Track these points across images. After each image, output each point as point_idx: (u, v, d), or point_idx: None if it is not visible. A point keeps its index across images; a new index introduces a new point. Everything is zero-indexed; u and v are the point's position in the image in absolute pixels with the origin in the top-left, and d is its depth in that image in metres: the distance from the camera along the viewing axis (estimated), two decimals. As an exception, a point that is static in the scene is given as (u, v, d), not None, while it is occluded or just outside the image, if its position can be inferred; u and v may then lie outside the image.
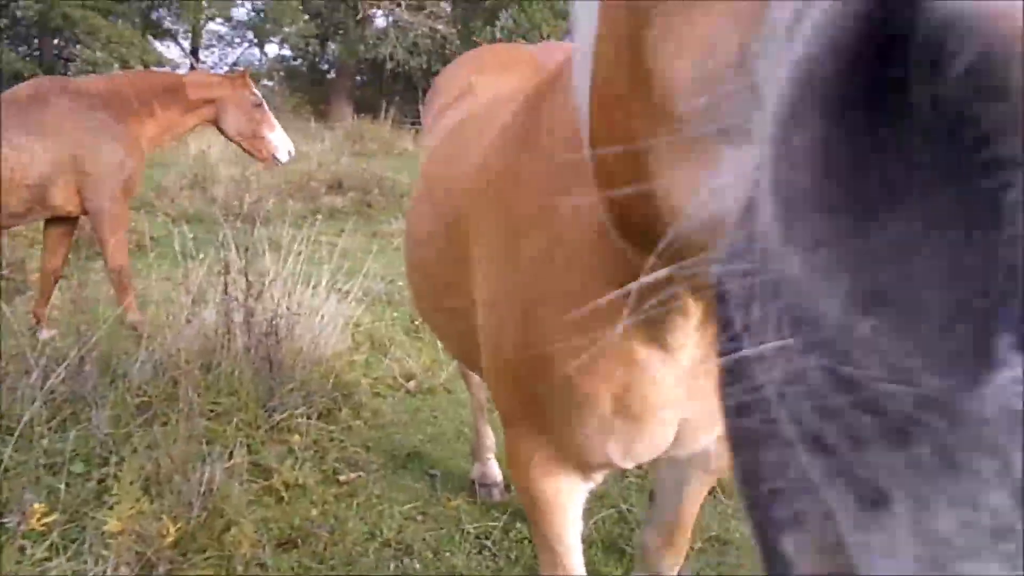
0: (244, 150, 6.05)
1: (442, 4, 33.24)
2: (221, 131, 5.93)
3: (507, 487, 3.34)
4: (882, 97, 0.32)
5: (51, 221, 5.21)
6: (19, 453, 3.11)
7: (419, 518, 3.12)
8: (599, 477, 1.56)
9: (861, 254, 0.33)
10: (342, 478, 3.34)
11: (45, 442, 3.18)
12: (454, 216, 1.84)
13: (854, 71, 0.32)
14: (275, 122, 6.02)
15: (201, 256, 4.73)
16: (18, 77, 26.73)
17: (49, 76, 5.62)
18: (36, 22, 26.81)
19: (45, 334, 4.54)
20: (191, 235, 7.65)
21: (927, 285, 0.31)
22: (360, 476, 3.38)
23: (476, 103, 2.32)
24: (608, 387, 1.29)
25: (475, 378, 3.24)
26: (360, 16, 32.94)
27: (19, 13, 25.74)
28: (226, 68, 36.50)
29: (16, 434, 3.23)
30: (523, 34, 32.43)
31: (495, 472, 3.30)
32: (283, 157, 6.08)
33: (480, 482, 3.28)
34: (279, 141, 5.96)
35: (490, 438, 3.33)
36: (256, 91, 5.94)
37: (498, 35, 32.27)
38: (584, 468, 1.50)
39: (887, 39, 0.31)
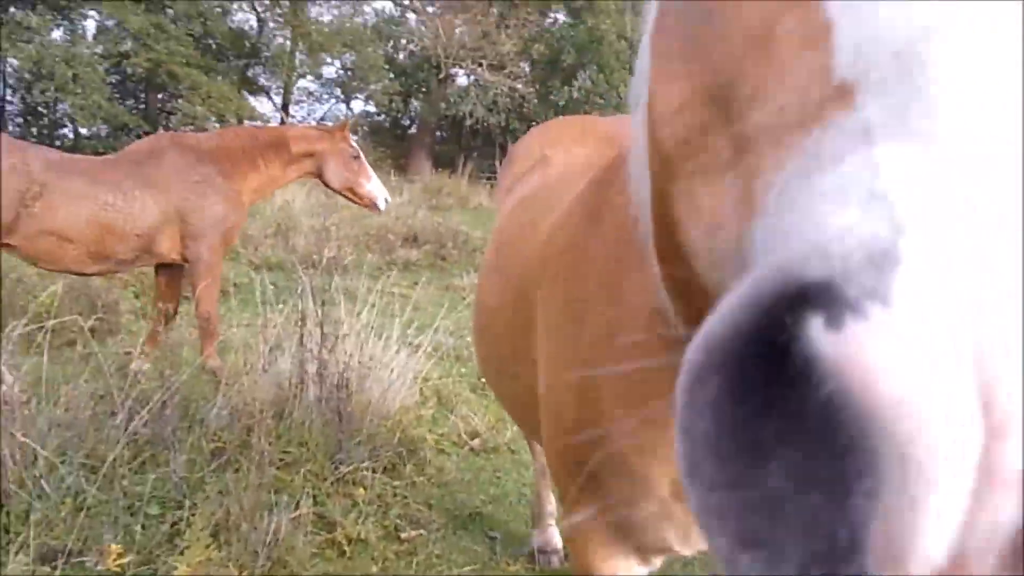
0: (348, 199, 6.31)
1: (522, 65, 34.14)
2: (324, 183, 6.21)
3: (567, 555, 3.29)
4: (770, 378, 0.42)
5: (162, 265, 5.55)
6: (101, 492, 3.25)
7: (478, 581, 3.10)
8: (658, 561, 1.54)
9: (744, 501, 0.42)
10: (404, 535, 3.35)
11: (125, 483, 3.31)
12: (521, 286, 1.88)
13: (750, 352, 0.43)
14: (371, 172, 6.30)
15: (280, 305, 4.91)
16: (124, 129, 28.68)
17: (168, 133, 6.04)
18: (144, 78, 28.78)
19: (139, 365, 4.62)
20: (272, 283, 7.97)
21: (791, 533, 0.41)
22: (421, 534, 3.39)
23: (548, 175, 2.37)
24: (667, 470, 1.28)
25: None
26: (443, 75, 34.14)
27: (129, 70, 27.67)
28: (314, 122, 38.23)
29: (100, 474, 3.39)
30: (600, 94, 32.94)
31: (555, 540, 3.26)
32: (381, 205, 6.28)
33: (540, 549, 3.24)
34: (377, 190, 6.21)
35: (551, 504, 3.29)
36: (354, 143, 6.23)
37: (575, 95, 32.88)
38: (642, 550, 1.48)
39: (776, 344, 0.42)
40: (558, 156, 2.47)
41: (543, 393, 1.60)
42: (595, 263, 1.44)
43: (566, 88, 33.07)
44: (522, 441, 4.49)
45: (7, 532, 2.99)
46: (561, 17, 36.09)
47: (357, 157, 6.11)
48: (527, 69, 34.57)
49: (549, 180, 2.32)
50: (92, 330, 6.38)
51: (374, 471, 3.74)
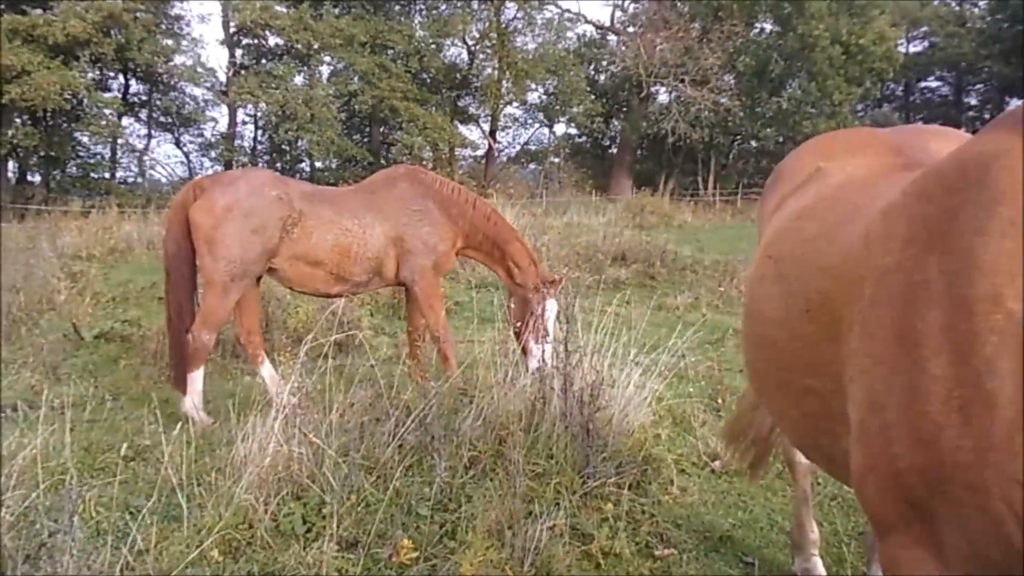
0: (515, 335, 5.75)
1: (726, 78, 33.26)
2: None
3: (832, 588, 3.14)
4: None
5: (407, 290, 6.05)
6: (377, 491, 3.58)
7: (738, 607, 3.03)
8: None
9: None
10: (657, 553, 3.36)
11: (397, 483, 3.62)
12: (819, 298, 1.82)
13: None
14: (549, 334, 5.57)
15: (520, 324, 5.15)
16: (352, 161, 31.46)
17: (407, 166, 6.55)
18: (369, 114, 31.52)
19: (434, 386, 4.57)
20: (489, 300, 8.32)
21: None
22: (673, 553, 3.38)
23: (827, 186, 2.30)
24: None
25: (802, 466, 3.12)
26: (644, 94, 34.10)
27: (356, 107, 30.45)
28: (519, 147, 39.70)
29: (375, 474, 3.74)
30: (812, 103, 31.21)
31: (820, 568, 3.12)
32: (531, 364, 5.37)
33: (804, 578, 3.11)
34: (535, 352, 5.54)
35: (815, 532, 3.15)
36: (554, 302, 5.69)
37: (784, 105, 31.42)
38: None
39: None
40: (834, 168, 2.38)
41: (858, 419, 1.54)
42: (936, 306, 1.34)
43: (774, 99, 31.75)
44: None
45: (304, 522, 3.38)
46: (768, 26, 34.74)
47: (543, 314, 5.61)
48: (732, 82, 33.61)
49: (829, 190, 2.24)
50: (340, 344, 7.08)
51: (620, 487, 3.79)
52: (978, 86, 40.92)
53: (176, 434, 3.84)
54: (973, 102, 41.61)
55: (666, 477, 4.09)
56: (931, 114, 41.56)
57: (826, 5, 30.25)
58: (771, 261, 2.25)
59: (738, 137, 36.85)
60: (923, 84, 43.50)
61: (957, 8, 39.55)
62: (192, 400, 5.19)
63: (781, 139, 32.05)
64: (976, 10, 37.23)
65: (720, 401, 5.57)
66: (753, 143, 36.30)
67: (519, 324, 5.58)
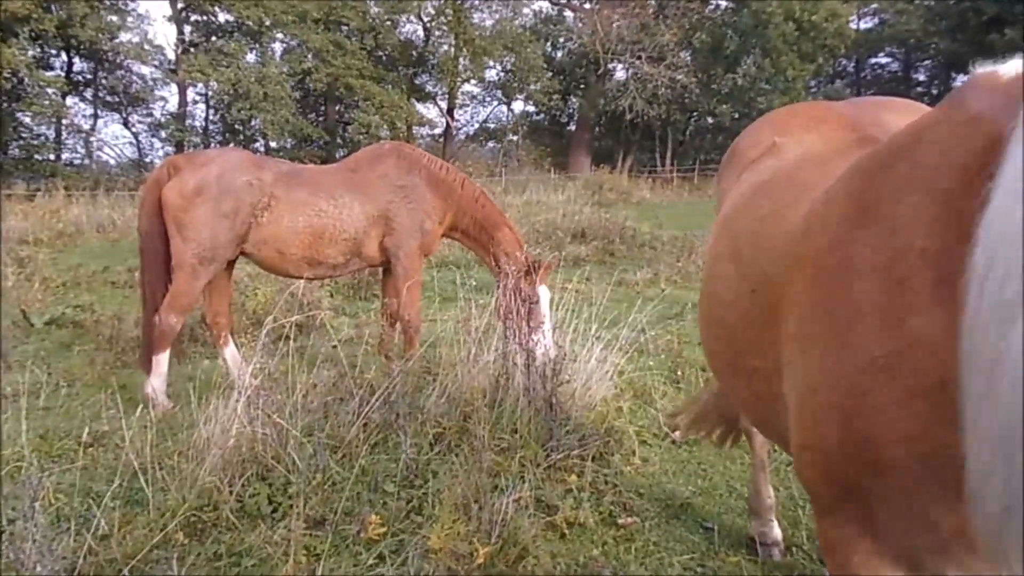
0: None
1: (682, 55, 33.44)
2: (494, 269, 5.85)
3: (788, 548, 3.25)
4: None
5: (386, 271, 5.94)
6: (343, 469, 3.59)
7: (698, 570, 3.13)
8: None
9: None
10: (620, 521, 3.44)
11: (363, 461, 3.64)
12: (762, 278, 1.82)
13: None
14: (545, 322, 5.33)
15: (481, 301, 5.17)
16: (308, 140, 30.97)
17: (395, 142, 6.36)
18: (324, 93, 31.02)
19: (397, 367, 4.49)
20: (451, 279, 8.32)
21: None
22: (636, 521, 3.46)
23: (783, 161, 2.29)
24: (950, 510, 1.19)
25: (759, 437, 3.21)
26: (601, 71, 34.14)
27: (311, 85, 29.93)
28: (477, 125, 39.50)
29: (340, 453, 3.75)
30: (767, 79, 31.60)
31: (776, 532, 3.22)
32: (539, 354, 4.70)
33: (761, 541, 3.22)
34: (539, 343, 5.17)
35: (771, 498, 3.25)
36: (546, 289, 5.56)
37: (739, 82, 31.76)
38: (913, 564, 1.37)
39: None
40: (791, 144, 2.36)
41: (795, 402, 1.53)
42: (865, 276, 1.32)
43: (730, 76, 32.07)
44: (724, 435, 4.46)
45: (270, 502, 3.38)
46: (723, 3, 34.99)
47: (537, 302, 5.34)
48: (688, 59, 33.83)
49: (785, 167, 2.22)
50: (300, 326, 7.02)
51: (583, 459, 3.86)
52: (926, 62, 41.84)
53: (136, 418, 3.80)
54: (921, 78, 42.55)
55: (628, 448, 4.17)
56: (881, 90, 42.36)
57: (779, -19, 30.57)
58: (725, 239, 2.22)
59: (695, 113, 37.19)
60: (873, 60, 44.33)
61: (906, -15, 40.31)
62: (154, 384, 5.11)
63: (737, 115, 32.43)
64: (924, -13, 37.96)
65: (679, 373, 5.68)
66: (709, 119, 36.69)
67: (510, 315, 4.98)
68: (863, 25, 42.26)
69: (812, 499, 1.57)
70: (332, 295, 9.59)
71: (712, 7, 34.97)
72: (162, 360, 5.21)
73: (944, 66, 39.02)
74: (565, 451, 3.86)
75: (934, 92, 37.95)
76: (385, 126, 30.28)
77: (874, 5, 40.70)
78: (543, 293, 5.45)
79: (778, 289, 1.68)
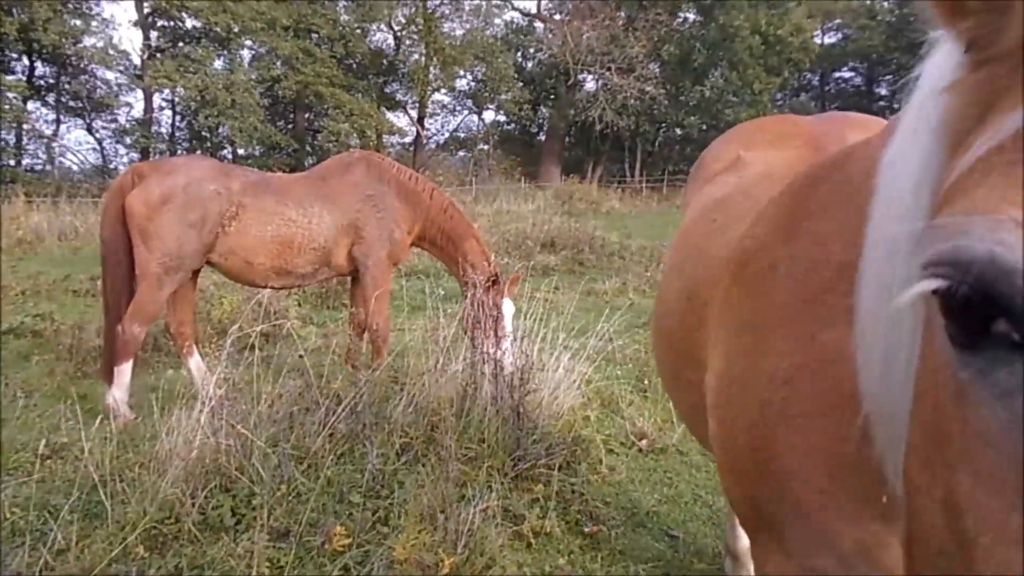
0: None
1: (651, 67, 33.82)
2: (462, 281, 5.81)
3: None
4: None
5: (354, 280, 5.90)
6: (309, 480, 3.56)
7: (663, 578, 3.15)
8: None
9: None
10: (586, 530, 3.45)
11: (328, 472, 3.61)
12: (696, 287, 1.79)
13: None
14: (508, 333, 5.33)
15: (449, 311, 5.17)
16: (276, 148, 30.71)
17: (364, 151, 6.33)
18: (293, 100, 30.79)
19: (364, 376, 4.47)
20: (420, 288, 8.31)
21: None
22: (602, 530, 3.48)
23: (744, 177, 2.24)
24: (851, 526, 1.17)
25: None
26: (571, 81, 34.38)
27: (280, 93, 29.69)
28: (447, 134, 39.51)
29: (306, 463, 3.71)
30: (734, 92, 32.08)
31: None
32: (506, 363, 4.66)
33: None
34: (506, 308, 5.54)
35: (744, 540, 3.13)
36: (511, 301, 5.60)
37: (707, 94, 32.21)
38: None
39: None
40: (755, 159, 2.32)
41: (712, 412, 1.50)
42: (780, 288, 1.29)
43: (697, 88, 32.49)
44: (691, 442, 4.50)
45: (233, 514, 3.34)
46: (691, 16, 35.47)
47: (499, 318, 5.27)
48: (657, 71, 34.21)
49: (745, 183, 2.17)
50: (266, 335, 6.95)
51: (550, 468, 3.87)
52: (888, 76, 42.78)
53: (96, 430, 3.72)
54: (884, 92, 43.45)
55: (595, 457, 4.19)
56: (845, 103, 43.18)
57: (746, -2, 31.12)
58: (677, 252, 2.19)
59: (663, 125, 37.59)
60: (837, 74, 45.16)
61: (868, 2, 41.19)
62: (116, 394, 5.01)
63: (704, 127, 32.87)
64: (886, 4, 38.83)
65: (647, 382, 5.72)
66: (678, 131, 37.09)
67: (475, 326, 5.04)
68: (827, 40, 43.11)
69: (740, 521, 1.50)
70: (300, 304, 9.50)
71: (680, 20, 35.43)
72: (124, 370, 5.12)
73: (906, 80, 39.82)
74: (532, 460, 3.87)
75: (895, 106, 38.77)
76: (355, 134, 30.15)
77: (838, 21, 41.55)
78: (507, 306, 5.46)
79: (708, 291, 1.66)
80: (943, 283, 0.55)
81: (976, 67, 0.66)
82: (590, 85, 35.53)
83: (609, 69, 32.76)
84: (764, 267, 1.38)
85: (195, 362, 5.49)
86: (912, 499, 0.67)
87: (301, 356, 5.77)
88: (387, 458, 3.81)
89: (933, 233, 0.57)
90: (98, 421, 3.73)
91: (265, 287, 5.78)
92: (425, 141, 36.04)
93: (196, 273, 5.60)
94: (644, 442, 4.53)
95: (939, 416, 0.63)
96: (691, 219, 2.29)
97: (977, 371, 0.56)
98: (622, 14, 34.02)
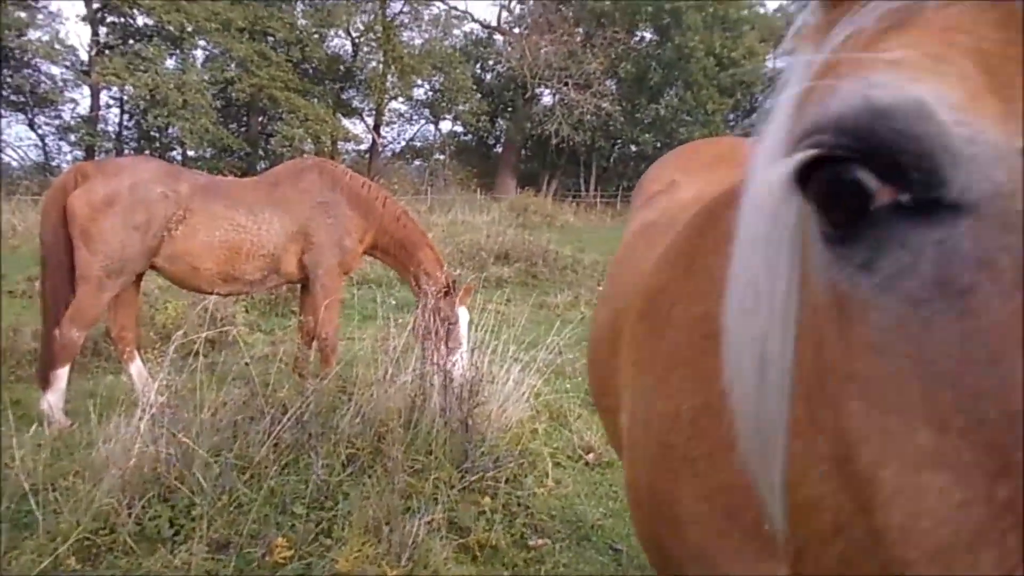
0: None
1: (608, 83, 34.27)
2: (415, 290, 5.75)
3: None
4: None
5: (304, 288, 5.81)
6: (251, 490, 3.50)
7: (606, 591, 3.18)
8: None
9: None
10: (531, 543, 3.46)
11: (272, 483, 3.55)
12: (612, 318, 1.77)
13: None
14: (462, 338, 5.42)
15: (400, 320, 5.14)
16: (228, 151, 30.18)
17: (317, 158, 6.25)
18: (247, 103, 30.31)
19: (311, 385, 4.49)
20: (371, 297, 8.25)
21: None
22: (547, 543, 3.49)
23: (675, 201, 2.16)
24: (751, 569, 1.11)
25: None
26: (528, 95, 34.61)
27: (233, 95, 29.20)
28: (404, 143, 39.36)
29: (249, 474, 3.65)
30: (688, 111, 32.70)
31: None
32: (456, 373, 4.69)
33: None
34: (462, 315, 5.56)
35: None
36: (465, 311, 5.62)
37: (662, 112, 32.76)
38: None
39: None
40: (689, 182, 2.27)
41: (624, 452, 1.46)
42: (680, 326, 1.25)
43: (653, 106, 33.04)
44: (636, 457, 4.55)
45: (172, 525, 3.26)
46: (648, 35, 36.10)
47: (456, 323, 5.39)
48: (613, 88, 34.68)
49: (674, 207, 2.09)
50: (212, 342, 6.81)
51: (497, 480, 3.87)
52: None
53: (29, 436, 3.61)
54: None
55: (542, 470, 4.21)
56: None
57: (701, 18, 31.81)
58: (608, 276, 2.15)
59: (619, 141, 38.09)
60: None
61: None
62: (51, 400, 4.85)
63: (659, 144, 33.37)
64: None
65: (595, 396, 5.77)
66: (633, 147, 37.62)
67: (427, 336, 4.99)
68: (779, 64, 44.25)
69: (648, 560, 1.44)
70: (247, 310, 9.34)
71: (638, 39, 36.03)
72: (61, 375, 4.96)
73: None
74: (479, 473, 3.86)
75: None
76: (309, 140, 29.82)
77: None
78: (463, 315, 5.46)
79: (622, 321, 1.61)
80: (815, 151, 0.50)
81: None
82: (547, 99, 35.83)
83: (566, 84, 33.09)
84: (667, 304, 1.33)
85: (136, 368, 5.34)
86: (795, 485, 0.59)
87: (247, 363, 5.70)
88: (332, 469, 3.77)
89: (801, 109, 0.52)
90: (32, 428, 3.61)
91: (212, 293, 5.65)
92: (381, 149, 35.85)
93: (140, 277, 5.47)
94: (591, 456, 4.56)
95: (820, 354, 0.55)
96: (623, 243, 2.25)
97: (859, 266, 0.50)
98: (580, 31, 34.44)
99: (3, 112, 30.27)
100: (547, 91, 35.11)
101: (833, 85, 0.49)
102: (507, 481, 3.92)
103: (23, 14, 26.98)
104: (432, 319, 4.96)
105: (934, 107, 0.45)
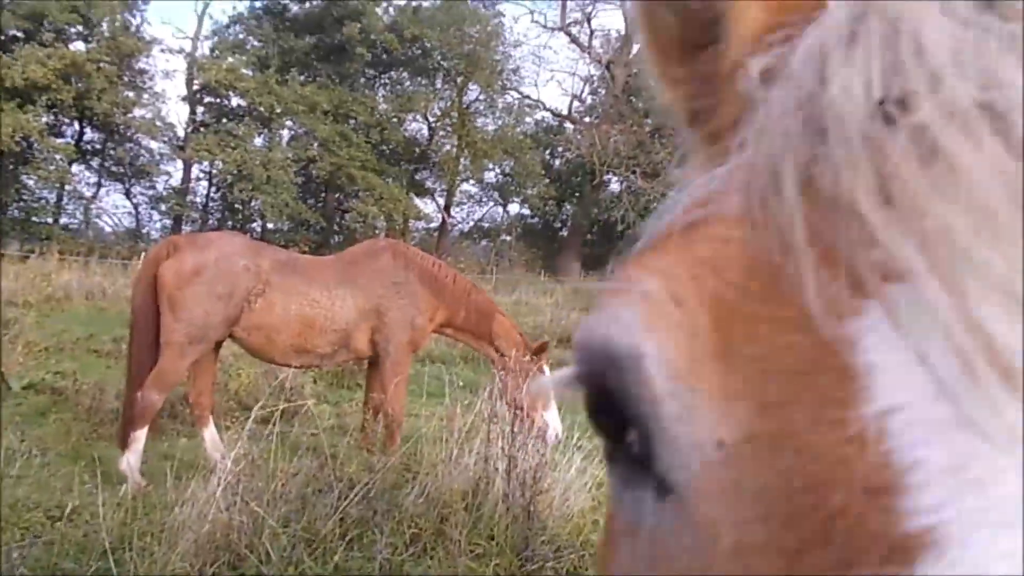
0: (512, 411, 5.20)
1: (676, 172, 34.57)
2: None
3: None
4: None
5: (372, 363, 6.00)
6: (316, 564, 3.55)
7: None
8: None
9: None
10: (591, 640, 3.39)
11: (337, 558, 3.60)
12: None
13: None
14: (553, 402, 5.60)
15: (466, 401, 5.22)
16: (304, 224, 31.42)
17: (389, 239, 6.60)
18: (326, 181, 31.74)
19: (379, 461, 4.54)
20: (436, 375, 8.36)
21: None
22: (607, 641, 3.42)
23: None
24: None
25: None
26: (596, 181, 35.22)
27: (314, 172, 30.66)
28: (472, 223, 40.30)
29: (314, 547, 3.71)
30: (756, 203, 32.68)
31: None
32: (550, 438, 5.31)
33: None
34: (552, 420, 5.58)
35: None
36: (546, 367, 5.72)
37: (729, 203, 32.80)
38: None
39: None
40: None
41: None
42: None
43: (720, 196, 33.13)
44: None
45: (239, 593, 3.33)
46: (716, 128, 36.49)
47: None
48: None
49: None
50: (282, 412, 6.99)
51: (557, 571, 3.83)
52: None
53: (110, 495, 3.77)
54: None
55: (603, 563, 4.14)
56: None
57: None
58: None
59: (684, 229, 38.04)
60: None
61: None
62: (130, 460, 5.06)
63: (725, 235, 33.21)
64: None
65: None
66: (698, 236, 37.47)
67: (517, 398, 5.04)
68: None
69: None
70: (315, 381, 9.56)
71: (706, 131, 36.44)
72: (140, 436, 5.18)
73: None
74: (540, 562, 3.84)
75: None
76: (382, 217, 30.88)
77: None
78: (547, 373, 5.54)
79: None
80: (575, 370, 0.48)
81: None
82: (615, 186, 36.34)
83: (634, 172, 33.56)
84: None
85: (210, 433, 5.54)
86: None
87: (315, 434, 5.84)
88: (396, 547, 3.80)
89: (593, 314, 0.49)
90: (119, 487, 3.77)
91: (285, 364, 5.88)
92: (450, 228, 36.78)
93: (219, 345, 5.73)
94: (653, 552, 4.46)
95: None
96: None
97: (616, 496, 0.49)
98: (649, 121, 35.11)
99: (103, 181, 32.46)
100: (615, 178, 35.65)
101: (608, 302, 0.48)
102: (568, 572, 3.88)
103: (131, 94, 29.19)
104: (518, 379, 5.07)
105: (653, 372, 0.43)
